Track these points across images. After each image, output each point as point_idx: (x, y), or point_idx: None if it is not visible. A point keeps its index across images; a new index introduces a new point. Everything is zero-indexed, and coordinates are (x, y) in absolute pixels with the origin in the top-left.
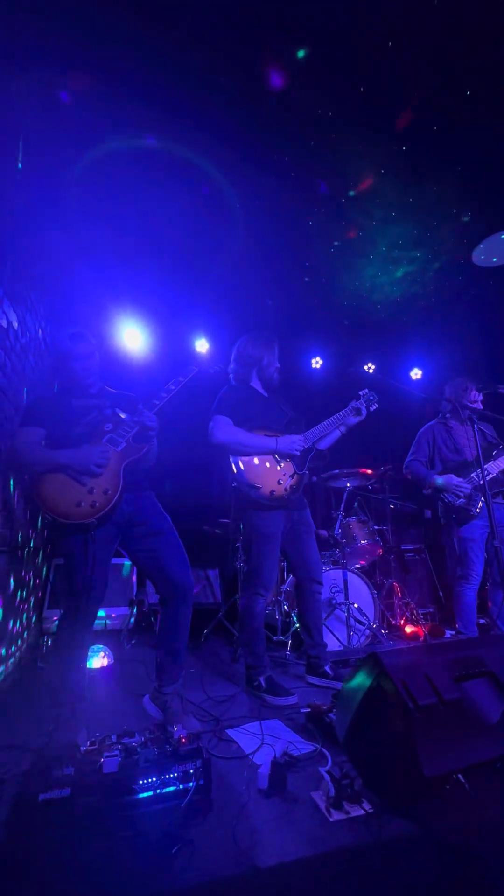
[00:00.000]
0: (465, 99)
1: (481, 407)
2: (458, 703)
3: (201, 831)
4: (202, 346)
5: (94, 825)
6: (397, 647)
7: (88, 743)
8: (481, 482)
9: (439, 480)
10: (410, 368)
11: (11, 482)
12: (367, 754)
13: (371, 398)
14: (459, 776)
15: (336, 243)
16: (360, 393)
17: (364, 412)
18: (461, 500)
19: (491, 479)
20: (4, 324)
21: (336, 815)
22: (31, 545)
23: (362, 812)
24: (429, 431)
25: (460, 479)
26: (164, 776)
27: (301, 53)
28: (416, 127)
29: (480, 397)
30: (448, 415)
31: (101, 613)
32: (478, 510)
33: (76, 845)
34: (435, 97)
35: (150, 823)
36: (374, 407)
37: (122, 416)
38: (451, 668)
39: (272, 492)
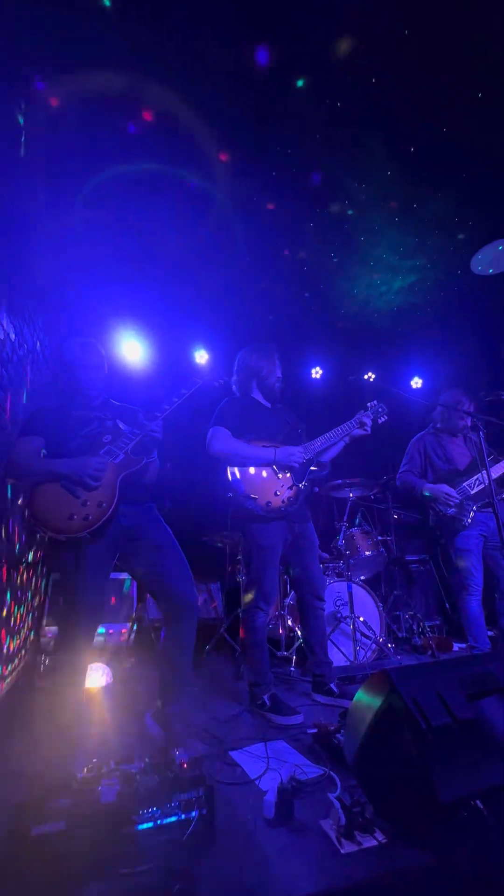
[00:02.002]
0: (471, 104)
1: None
2: (473, 722)
3: (205, 866)
4: (201, 357)
5: (91, 861)
6: (405, 662)
7: (85, 770)
8: (472, 492)
9: (428, 490)
10: (411, 377)
11: (9, 493)
12: (379, 779)
13: (380, 410)
14: (477, 801)
15: (334, 255)
16: (369, 404)
17: (370, 425)
18: (452, 509)
19: (483, 489)
20: (1, 335)
21: (348, 847)
22: (29, 559)
23: (375, 843)
24: (419, 442)
25: (450, 489)
26: (166, 806)
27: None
28: (419, 133)
29: (473, 407)
30: (439, 425)
31: (100, 630)
32: (469, 520)
33: (71, 884)
34: (440, 101)
35: (150, 858)
36: (384, 419)
37: (123, 427)
38: (464, 686)
39: (268, 503)
